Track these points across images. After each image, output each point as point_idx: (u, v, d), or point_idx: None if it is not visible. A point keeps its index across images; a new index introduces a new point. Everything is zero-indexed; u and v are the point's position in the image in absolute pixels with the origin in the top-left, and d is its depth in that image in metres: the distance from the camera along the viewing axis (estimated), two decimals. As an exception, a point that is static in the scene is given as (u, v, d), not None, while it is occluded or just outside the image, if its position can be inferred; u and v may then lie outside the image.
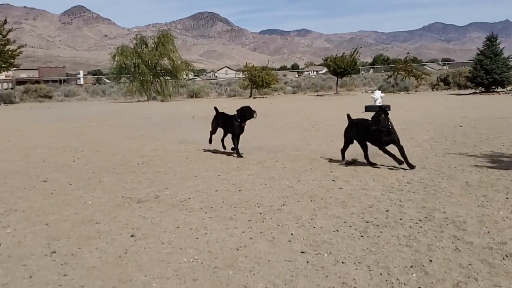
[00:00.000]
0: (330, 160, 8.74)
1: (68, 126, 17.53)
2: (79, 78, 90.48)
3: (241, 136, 9.81)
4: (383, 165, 8.00)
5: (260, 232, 4.80)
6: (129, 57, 40.62)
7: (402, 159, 7.69)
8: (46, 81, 63.40)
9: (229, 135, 10.06)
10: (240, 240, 4.60)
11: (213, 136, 10.45)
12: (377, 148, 7.95)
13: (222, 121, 10.16)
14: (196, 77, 74.99)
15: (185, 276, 3.82)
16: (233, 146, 9.81)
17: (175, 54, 41.56)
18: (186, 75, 45.96)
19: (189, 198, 6.34)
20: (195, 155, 10.00)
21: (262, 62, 44.61)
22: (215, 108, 10.63)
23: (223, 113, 10.44)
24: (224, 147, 10.22)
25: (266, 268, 3.90)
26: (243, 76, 41.46)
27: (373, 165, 8.00)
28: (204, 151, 10.48)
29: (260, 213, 5.50)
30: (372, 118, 7.75)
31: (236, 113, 9.84)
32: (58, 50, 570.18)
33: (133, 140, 12.74)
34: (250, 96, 38.62)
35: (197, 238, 4.71)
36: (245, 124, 9.77)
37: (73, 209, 5.99)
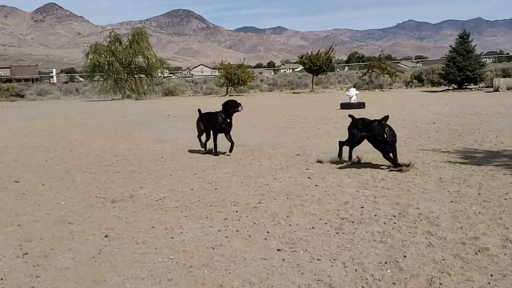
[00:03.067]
0: (306, 158, 8.76)
1: (41, 125, 17.27)
2: (52, 77, 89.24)
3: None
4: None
5: (236, 231, 4.79)
6: (103, 55, 40.24)
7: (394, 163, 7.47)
8: (18, 80, 62.44)
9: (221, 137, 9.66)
10: (216, 239, 4.58)
11: (202, 138, 9.94)
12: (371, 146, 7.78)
13: (209, 121, 9.68)
14: (172, 75, 74.55)
15: (160, 276, 3.78)
16: (230, 147, 9.45)
17: (149, 52, 41.30)
18: (161, 73, 45.72)
19: (164, 197, 6.29)
20: (171, 153, 9.93)
21: (238, 59, 44.61)
22: (199, 110, 10.15)
23: (207, 112, 9.99)
24: (204, 147, 9.84)
25: (242, 266, 3.89)
26: (219, 74, 41.32)
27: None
28: (180, 149, 10.41)
29: (236, 212, 5.48)
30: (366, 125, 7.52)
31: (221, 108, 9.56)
32: (31, 48, 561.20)
33: (107, 139, 12.61)
34: (226, 94, 38.53)
35: (172, 238, 4.67)
36: (230, 120, 9.47)
37: (46, 210, 5.89)
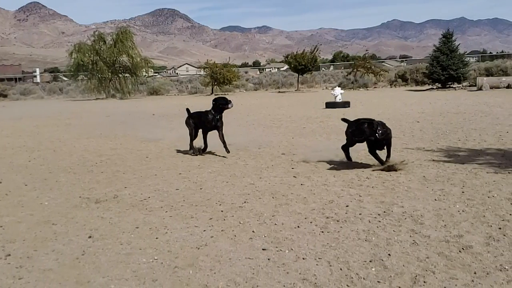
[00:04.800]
0: (292, 157, 8.77)
1: (24, 125, 17.09)
2: (35, 76, 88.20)
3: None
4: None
5: (221, 230, 4.77)
6: (87, 54, 39.96)
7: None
8: (1, 80, 61.79)
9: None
10: (201, 238, 4.56)
11: (193, 137, 9.63)
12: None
13: (199, 119, 9.46)
14: (156, 74, 74.20)
15: (144, 277, 3.75)
16: (223, 145, 9.16)
17: (134, 51, 41.08)
18: (146, 72, 45.52)
19: (149, 197, 6.26)
20: (155, 153, 9.88)
21: (223, 59, 44.40)
22: (187, 110, 9.85)
23: (196, 111, 9.81)
24: (191, 148, 9.57)
25: (227, 266, 3.87)
26: (204, 73, 41.18)
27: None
28: (165, 149, 10.37)
29: (222, 211, 5.47)
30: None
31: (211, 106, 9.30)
32: (14, 48, 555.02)
33: (91, 139, 12.52)
34: (211, 93, 38.44)
35: (157, 238, 4.64)
36: (221, 117, 9.25)
37: (29, 210, 5.83)
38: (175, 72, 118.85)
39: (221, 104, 9.17)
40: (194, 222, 5.09)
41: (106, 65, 39.94)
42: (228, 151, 9.10)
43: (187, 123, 9.68)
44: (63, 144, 11.82)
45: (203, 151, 9.50)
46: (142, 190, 6.66)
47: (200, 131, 9.56)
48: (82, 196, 6.48)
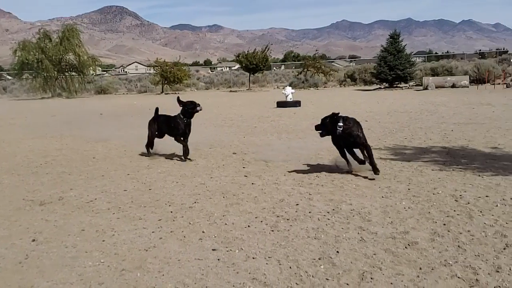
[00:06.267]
0: (243, 156, 8.76)
1: (-35, 126, 16.41)
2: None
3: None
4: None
5: (171, 232, 4.70)
6: (32, 52, 38.86)
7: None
8: None
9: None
10: (150, 240, 4.48)
11: (154, 141, 9.23)
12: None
13: (165, 124, 8.98)
14: (105, 72, 72.76)
15: (90, 281, 3.65)
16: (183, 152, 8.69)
17: (81, 49, 40.21)
18: (93, 71, 44.62)
19: (96, 199, 6.10)
20: (103, 153, 9.67)
21: (174, 57, 44.07)
22: (156, 109, 9.39)
23: (164, 115, 9.28)
24: (149, 153, 9.23)
25: (176, 267, 3.82)
26: (154, 71, 40.74)
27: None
28: (113, 149, 10.17)
29: (171, 212, 5.40)
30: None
31: (179, 112, 8.78)
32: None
33: (36, 139, 12.15)
34: (161, 92, 38.09)
35: (103, 240, 4.53)
36: (190, 122, 8.79)
37: (-31, 215, 5.58)
38: (124, 70, 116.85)
39: (190, 109, 8.70)
40: (142, 224, 5.00)
41: (52, 64, 38.92)
42: (185, 157, 8.63)
43: (150, 125, 9.22)
44: (6, 144, 11.42)
45: (186, 155, 8.68)
46: (88, 192, 6.50)
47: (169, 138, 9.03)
48: (26, 198, 6.26)
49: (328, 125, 6.89)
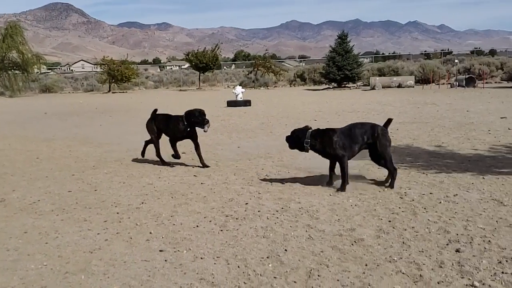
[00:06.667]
0: (192, 156, 8.68)
1: None
2: None
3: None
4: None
5: (117, 233, 4.60)
6: (-28, 49, 37.23)
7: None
8: None
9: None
10: (95, 242, 4.37)
11: (158, 141, 8.30)
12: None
13: (165, 124, 8.12)
14: (50, 71, 70.72)
15: (32, 284, 3.53)
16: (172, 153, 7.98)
17: (24, 47, 38.77)
18: (38, 69, 43.26)
19: (39, 200, 5.91)
20: (47, 154, 9.39)
21: (122, 55, 43.32)
22: (155, 110, 8.53)
23: (163, 114, 8.47)
24: (143, 154, 8.50)
25: (122, 269, 3.73)
26: (101, 70, 39.91)
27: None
28: (57, 149, 9.88)
29: (117, 213, 5.28)
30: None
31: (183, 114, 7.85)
32: None
33: (-24, 139, 11.67)
34: (109, 91, 37.38)
35: (46, 243, 4.38)
36: (190, 130, 7.76)
37: None
38: (70, 69, 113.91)
39: (195, 122, 7.66)
40: (87, 225, 4.87)
41: (-6, 61, 37.46)
42: (204, 165, 7.70)
43: (148, 127, 8.36)
44: None
45: (175, 158, 8.05)
46: (31, 193, 6.29)
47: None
48: (-36, 201, 6.00)
49: (296, 139, 6.39)
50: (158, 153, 8.17)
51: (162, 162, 8.11)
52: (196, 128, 7.78)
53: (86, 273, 3.69)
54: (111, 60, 37.89)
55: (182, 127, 7.76)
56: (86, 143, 10.46)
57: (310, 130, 6.27)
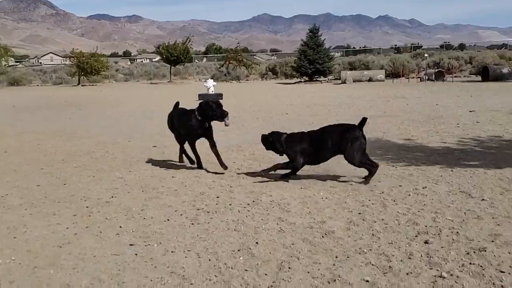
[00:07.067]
0: (163, 149, 8.64)
1: None
2: None
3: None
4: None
5: (86, 227, 4.55)
6: None
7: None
8: None
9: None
10: (64, 236, 4.31)
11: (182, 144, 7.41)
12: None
13: (178, 121, 7.21)
14: (18, 63, 69.35)
15: (0, 279, 3.47)
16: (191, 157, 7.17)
17: (-9, 39, 37.98)
18: (6, 62, 42.35)
19: (7, 195, 5.80)
20: (16, 148, 9.21)
21: (91, 48, 42.65)
22: (176, 104, 7.69)
23: (181, 108, 7.53)
24: (182, 159, 7.48)
25: (91, 264, 3.69)
26: (70, 62, 39.25)
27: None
28: (26, 143, 9.70)
29: (87, 207, 5.22)
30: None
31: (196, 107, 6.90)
32: None
33: None
34: (78, 84, 36.83)
35: (15, 237, 4.31)
36: (207, 125, 6.81)
37: None
38: (38, 61, 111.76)
39: (213, 115, 6.68)
40: (56, 220, 4.80)
41: (-41, 54, 36.57)
42: (225, 167, 6.72)
43: (169, 124, 7.56)
44: None
45: (193, 163, 7.23)
46: (-1, 187, 6.17)
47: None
48: None
49: (269, 142, 6.33)
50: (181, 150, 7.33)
51: (197, 163, 7.13)
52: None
53: (55, 267, 3.65)
54: (81, 53, 37.29)
55: (196, 123, 6.77)
56: (55, 137, 10.29)
57: (285, 135, 6.27)
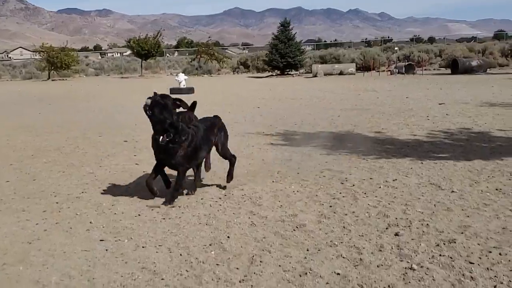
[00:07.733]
0: (134, 144, 8.57)
1: None
2: None
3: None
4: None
5: (56, 223, 4.49)
6: None
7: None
8: None
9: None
10: (33, 232, 4.25)
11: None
12: None
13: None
14: (-15, 58, 67.86)
15: (-33, 278, 3.41)
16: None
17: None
18: (-27, 56, 41.38)
19: (-26, 192, 5.69)
20: (-18, 143, 9.02)
21: (61, 42, 41.91)
22: (193, 103, 6.83)
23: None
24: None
25: (61, 260, 3.66)
26: (40, 57, 38.53)
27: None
28: (-7, 139, 9.52)
29: (57, 203, 5.15)
30: None
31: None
32: None
33: None
34: (48, 79, 36.21)
35: (-18, 235, 4.24)
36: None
37: None
38: (7, 56, 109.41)
39: None
40: (25, 216, 4.73)
41: None
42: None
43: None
44: None
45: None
46: (-35, 184, 6.04)
47: None
48: None
49: None
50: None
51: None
52: None
53: (24, 264, 3.60)
54: (50, 47, 36.66)
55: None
56: (24, 132, 10.11)
57: None
